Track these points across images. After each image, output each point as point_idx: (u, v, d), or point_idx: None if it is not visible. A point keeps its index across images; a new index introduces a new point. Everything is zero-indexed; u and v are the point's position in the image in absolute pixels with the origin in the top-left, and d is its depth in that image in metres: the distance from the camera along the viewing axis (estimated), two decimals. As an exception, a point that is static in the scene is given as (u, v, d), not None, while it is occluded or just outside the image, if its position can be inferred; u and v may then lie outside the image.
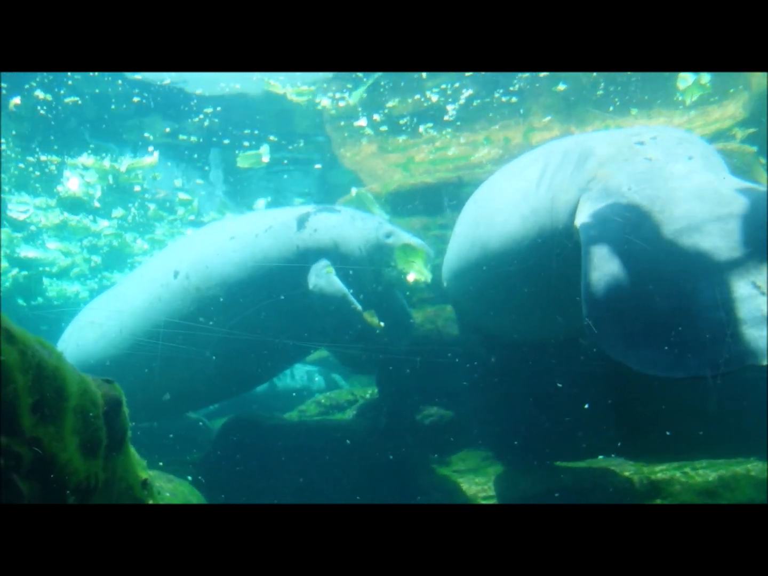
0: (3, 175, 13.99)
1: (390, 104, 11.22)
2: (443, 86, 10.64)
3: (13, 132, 12.09)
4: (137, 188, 14.91)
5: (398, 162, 13.21)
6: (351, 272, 7.78)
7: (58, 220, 16.50)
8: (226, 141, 12.56)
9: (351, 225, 7.98)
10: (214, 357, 7.51)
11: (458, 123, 11.88)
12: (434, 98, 11.02)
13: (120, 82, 10.45)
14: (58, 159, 13.32)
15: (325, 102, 11.22)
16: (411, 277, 7.91)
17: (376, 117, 11.62)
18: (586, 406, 7.38)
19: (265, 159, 12.76)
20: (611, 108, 11.17)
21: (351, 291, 7.54)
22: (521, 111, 11.46)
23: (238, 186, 15.11)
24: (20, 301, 20.09)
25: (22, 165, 13.46)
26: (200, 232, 8.43)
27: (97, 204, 15.59)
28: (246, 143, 12.56)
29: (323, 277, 7.53)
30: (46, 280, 20.09)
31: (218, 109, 11.40)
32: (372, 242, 7.94)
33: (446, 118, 11.64)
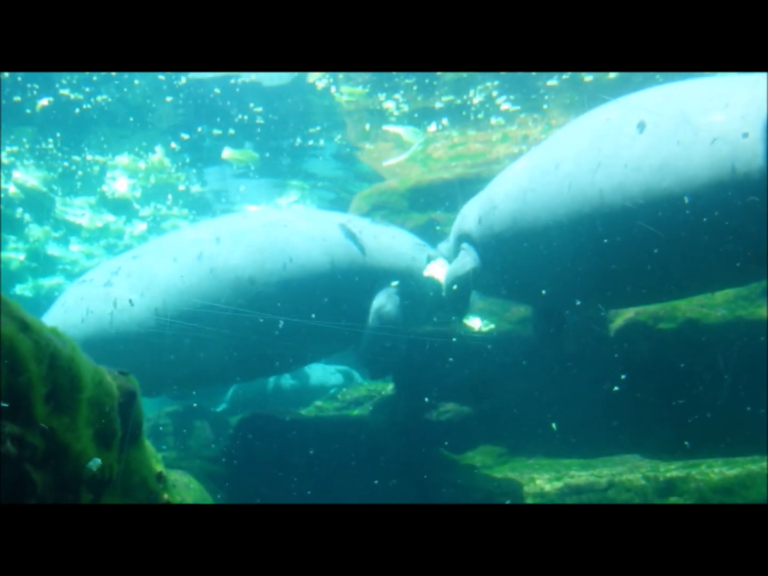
0: (50, 174, 14.12)
1: (435, 104, 11.24)
2: (488, 84, 10.63)
3: (59, 134, 12.19)
4: (181, 188, 14.98)
5: (416, 158, 13.23)
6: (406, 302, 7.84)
7: (101, 222, 16.58)
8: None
9: (423, 262, 8.04)
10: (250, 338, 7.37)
11: (476, 120, 11.86)
12: (476, 99, 11.03)
13: (136, 82, 10.47)
14: (103, 159, 13.41)
15: (389, 105, 11.25)
16: (476, 324, 8.12)
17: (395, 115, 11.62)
18: (616, 388, 7.31)
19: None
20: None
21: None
22: (544, 107, 11.44)
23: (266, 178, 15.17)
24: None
25: (66, 164, 13.56)
26: (255, 219, 8.00)
27: (136, 206, 15.70)
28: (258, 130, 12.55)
29: (391, 303, 7.56)
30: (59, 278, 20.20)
31: (253, 105, 11.42)
32: (435, 283, 7.99)
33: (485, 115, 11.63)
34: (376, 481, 7.69)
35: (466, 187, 9.45)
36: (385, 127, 12.10)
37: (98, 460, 2.60)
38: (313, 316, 7.41)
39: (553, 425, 7.76)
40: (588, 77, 10.33)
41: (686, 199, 5.11)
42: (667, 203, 5.19)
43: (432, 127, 12.06)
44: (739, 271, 5.52)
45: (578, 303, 6.86)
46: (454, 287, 7.21)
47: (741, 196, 4.94)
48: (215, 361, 7.54)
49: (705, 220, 5.12)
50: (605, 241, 5.60)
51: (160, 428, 10.29)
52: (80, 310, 7.65)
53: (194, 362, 7.48)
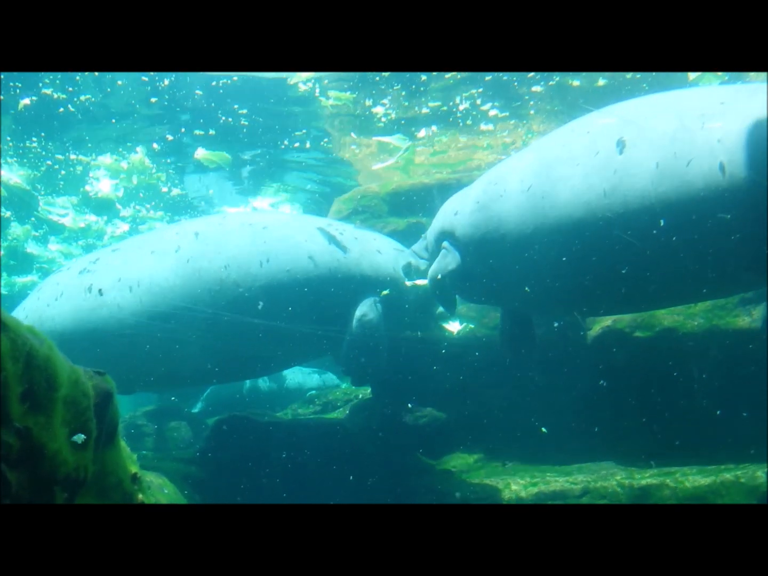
0: (34, 173, 14.03)
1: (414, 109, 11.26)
2: (473, 91, 10.66)
3: (43, 133, 12.13)
4: (164, 189, 14.92)
5: (397, 164, 13.25)
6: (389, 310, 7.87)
7: (84, 223, 16.47)
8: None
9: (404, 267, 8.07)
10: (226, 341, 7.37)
11: (464, 126, 11.90)
12: (462, 106, 11.06)
13: (120, 82, 10.42)
14: (86, 158, 13.33)
15: (377, 110, 11.26)
16: (455, 327, 8.18)
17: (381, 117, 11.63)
18: (602, 383, 7.30)
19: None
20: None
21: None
22: (531, 113, 11.49)
23: (247, 180, 15.12)
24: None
25: (49, 162, 13.48)
26: (239, 221, 7.92)
27: (119, 206, 15.62)
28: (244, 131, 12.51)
29: (374, 312, 7.60)
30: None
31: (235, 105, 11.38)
32: (416, 288, 8.01)
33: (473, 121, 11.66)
34: (351, 477, 7.69)
35: (446, 192, 9.47)
36: (375, 138, 12.12)
37: (82, 435, 2.59)
38: (290, 311, 7.42)
39: (543, 429, 7.76)
40: (575, 82, 10.35)
41: (662, 220, 5.17)
42: (656, 211, 5.23)
43: (421, 133, 12.08)
44: (721, 282, 5.59)
45: (559, 311, 6.88)
46: (437, 290, 7.17)
47: (717, 210, 5.00)
48: (190, 358, 7.54)
49: (683, 236, 5.20)
50: (590, 247, 5.63)
51: (132, 431, 10.24)
52: (53, 294, 7.76)
53: (169, 357, 7.47)
